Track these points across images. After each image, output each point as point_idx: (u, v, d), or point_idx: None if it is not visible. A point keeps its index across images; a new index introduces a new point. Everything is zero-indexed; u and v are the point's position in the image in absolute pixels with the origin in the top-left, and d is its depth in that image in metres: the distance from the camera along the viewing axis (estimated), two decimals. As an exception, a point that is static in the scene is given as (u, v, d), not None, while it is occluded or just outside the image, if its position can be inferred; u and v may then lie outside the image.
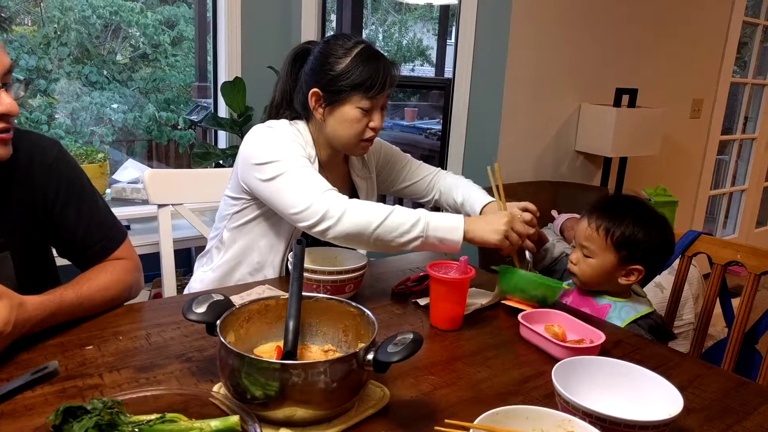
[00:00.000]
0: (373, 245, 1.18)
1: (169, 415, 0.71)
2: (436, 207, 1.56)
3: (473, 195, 1.44)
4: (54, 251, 1.15)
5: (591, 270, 1.23)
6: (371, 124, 1.29)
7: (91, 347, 0.95)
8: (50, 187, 1.05)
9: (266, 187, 1.23)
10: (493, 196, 1.33)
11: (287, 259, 1.35)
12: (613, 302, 1.25)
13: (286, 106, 1.37)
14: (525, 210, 1.28)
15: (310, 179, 1.20)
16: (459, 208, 1.46)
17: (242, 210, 1.35)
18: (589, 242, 1.23)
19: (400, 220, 1.15)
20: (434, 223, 1.15)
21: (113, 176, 2.60)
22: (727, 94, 3.67)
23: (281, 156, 1.23)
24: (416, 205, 1.38)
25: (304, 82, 1.31)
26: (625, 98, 2.72)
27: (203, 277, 1.43)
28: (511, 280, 1.18)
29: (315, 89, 1.28)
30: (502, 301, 1.20)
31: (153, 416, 0.71)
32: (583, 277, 1.25)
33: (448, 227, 1.15)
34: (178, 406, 0.75)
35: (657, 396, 0.79)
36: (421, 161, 1.57)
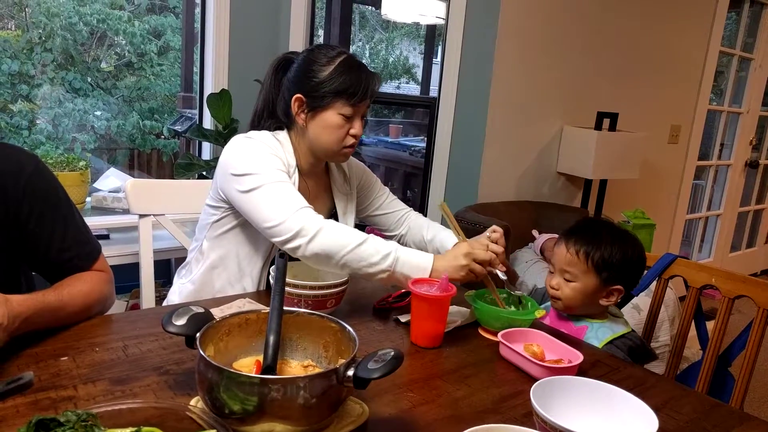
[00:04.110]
0: (340, 269, 1.19)
1: (144, 429, 0.70)
2: (401, 243, 1.56)
3: (443, 233, 1.46)
4: None
5: (575, 293, 1.24)
6: (352, 131, 1.31)
7: (66, 358, 0.93)
8: (24, 204, 1.03)
9: (243, 199, 1.24)
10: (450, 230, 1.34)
11: (269, 272, 1.34)
12: (590, 323, 1.27)
13: (268, 115, 1.39)
14: (493, 231, 1.30)
15: (287, 194, 1.21)
16: (427, 244, 1.48)
17: (221, 219, 1.35)
18: (570, 267, 1.24)
19: (371, 251, 1.16)
20: (403, 259, 1.17)
21: (94, 185, 2.57)
22: (704, 120, 3.76)
23: (259, 169, 1.23)
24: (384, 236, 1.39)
25: (287, 89, 1.33)
26: (606, 122, 2.78)
27: (182, 289, 1.41)
28: (481, 312, 1.19)
29: (298, 95, 1.30)
30: (479, 329, 1.21)
31: (128, 429, 0.69)
32: (567, 302, 1.26)
33: (416, 266, 1.17)
34: (155, 420, 0.74)
35: (632, 417, 0.80)
36: (396, 197, 1.59)
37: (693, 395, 1.02)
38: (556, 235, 2.58)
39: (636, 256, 1.25)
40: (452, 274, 1.17)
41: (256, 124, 1.40)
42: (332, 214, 1.46)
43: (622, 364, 1.11)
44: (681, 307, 2.22)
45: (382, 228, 1.58)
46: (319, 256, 1.17)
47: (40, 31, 4.48)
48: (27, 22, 4.53)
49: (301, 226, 1.16)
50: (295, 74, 1.32)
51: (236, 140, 1.30)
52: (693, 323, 1.49)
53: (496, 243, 1.27)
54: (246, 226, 1.32)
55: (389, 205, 1.56)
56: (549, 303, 1.33)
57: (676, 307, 2.40)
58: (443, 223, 1.38)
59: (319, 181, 1.45)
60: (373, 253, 1.16)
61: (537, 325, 1.22)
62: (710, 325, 1.45)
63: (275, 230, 1.18)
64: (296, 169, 1.34)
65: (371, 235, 1.20)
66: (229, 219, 1.34)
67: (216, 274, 1.37)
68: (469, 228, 1.28)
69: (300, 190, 1.33)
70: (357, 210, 1.53)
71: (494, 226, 1.32)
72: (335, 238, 1.16)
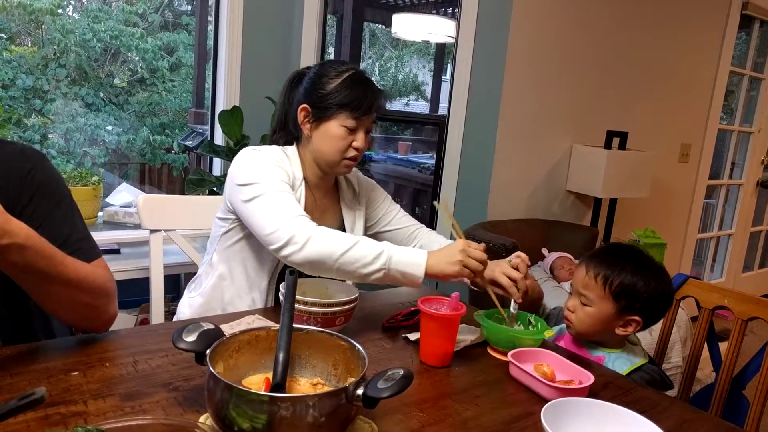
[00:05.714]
0: (336, 274, 1.20)
1: (153, 446, 0.70)
2: None
3: None
4: None
5: (589, 319, 1.20)
6: (354, 144, 1.33)
7: (76, 373, 0.93)
8: (24, 194, 1.01)
9: (244, 208, 1.26)
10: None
11: (278, 289, 1.35)
12: (607, 354, 1.22)
13: (281, 128, 1.42)
14: (516, 256, 1.28)
15: (283, 203, 1.23)
16: None
17: (229, 231, 1.37)
18: (587, 290, 1.20)
19: (363, 252, 1.17)
20: (397, 257, 1.18)
21: (106, 199, 2.59)
22: (715, 139, 3.75)
23: (261, 179, 1.26)
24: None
25: (297, 101, 1.37)
26: (616, 141, 2.77)
27: (191, 302, 1.42)
28: (489, 331, 1.18)
29: (304, 105, 1.34)
30: (488, 349, 1.20)
31: (137, 447, 0.69)
32: (580, 326, 1.21)
33: (410, 262, 1.17)
34: (163, 437, 0.74)
35: (646, 440, 0.79)
36: (406, 213, 1.58)
37: (707, 418, 1.01)
38: (566, 254, 2.57)
39: (659, 290, 1.18)
40: (445, 269, 1.16)
41: (272, 141, 1.43)
42: (340, 229, 1.47)
43: (633, 386, 1.09)
44: (693, 328, 2.20)
45: (394, 243, 1.58)
46: (312, 263, 1.18)
47: (55, 47, 4.56)
48: (42, 38, 4.62)
49: (293, 233, 1.17)
50: (305, 86, 1.36)
51: (243, 152, 1.34)
52: (705, 344, 1.47)
53: (516, 268, 1.25)
54: (253, 237, 1.33)
55: (399, 220, 1.56)
56: (563, 325, 1.30)
57: (688, 328, 2.37)
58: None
59: (328, 196, 1.46)
60: (366, 253, 1.17)
61: (551, 346, 1.21)
62: (723, 346, 1.43)
63: (269, 238, 1.20)
64: (303, 182, 1.36)
65: (362, 237, 1.21)
66: (237, 231, 1.36)
67: (225, 287, 1.38)
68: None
69: (307, 202, 1.36)
70: (367, 225, 1.53)
71: (519, 252, 1.29)
72: (326, 243, 1.17)
